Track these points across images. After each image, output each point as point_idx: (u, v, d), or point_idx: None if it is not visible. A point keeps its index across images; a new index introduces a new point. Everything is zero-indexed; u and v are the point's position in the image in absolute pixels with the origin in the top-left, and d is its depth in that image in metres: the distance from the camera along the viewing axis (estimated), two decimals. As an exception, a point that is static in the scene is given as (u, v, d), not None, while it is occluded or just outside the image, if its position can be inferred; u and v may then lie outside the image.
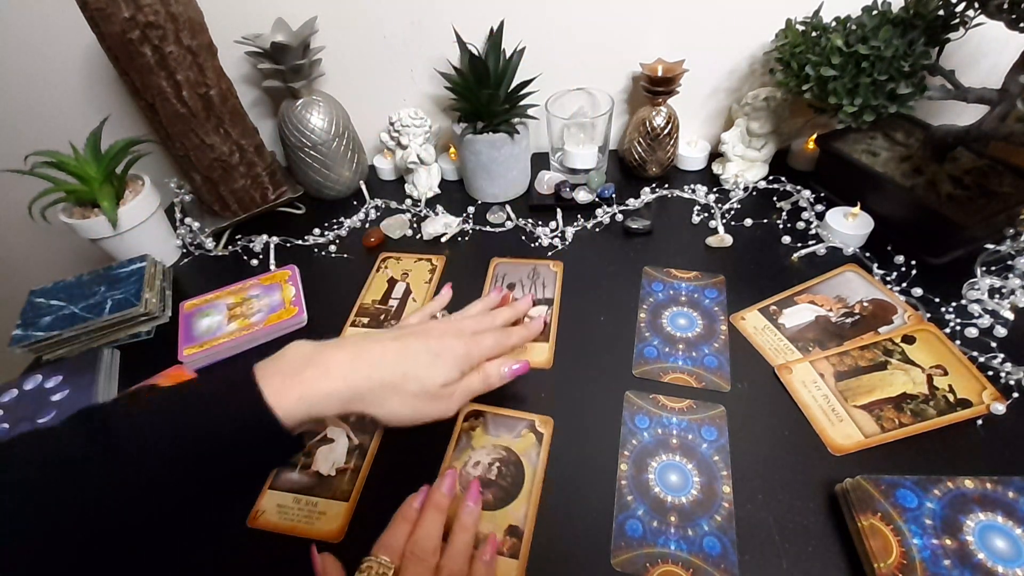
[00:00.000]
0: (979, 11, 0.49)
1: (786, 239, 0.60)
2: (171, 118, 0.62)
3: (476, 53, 0.61)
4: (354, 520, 0.42)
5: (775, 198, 0.66)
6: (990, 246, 0.54)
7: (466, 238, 0.67)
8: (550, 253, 0.63)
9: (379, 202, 0.74)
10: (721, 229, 0.62)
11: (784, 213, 0.64)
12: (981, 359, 0.46)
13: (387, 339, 0.40)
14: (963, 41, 0.52)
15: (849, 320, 0.51)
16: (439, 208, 0.70)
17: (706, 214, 0.65)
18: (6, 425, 0.50)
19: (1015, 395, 0.43)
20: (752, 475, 0.41)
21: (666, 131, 0.68)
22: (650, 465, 0.43)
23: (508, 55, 0.64)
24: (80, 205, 0.64)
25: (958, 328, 0.49)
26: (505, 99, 0.64)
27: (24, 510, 0.29)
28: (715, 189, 0.68)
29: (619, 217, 0.66)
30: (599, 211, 0.66)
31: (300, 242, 0.69)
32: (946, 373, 0.45)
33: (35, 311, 0.57)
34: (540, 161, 0.75)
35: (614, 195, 0.67)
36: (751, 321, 0.53)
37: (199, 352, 0.55)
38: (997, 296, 0.51)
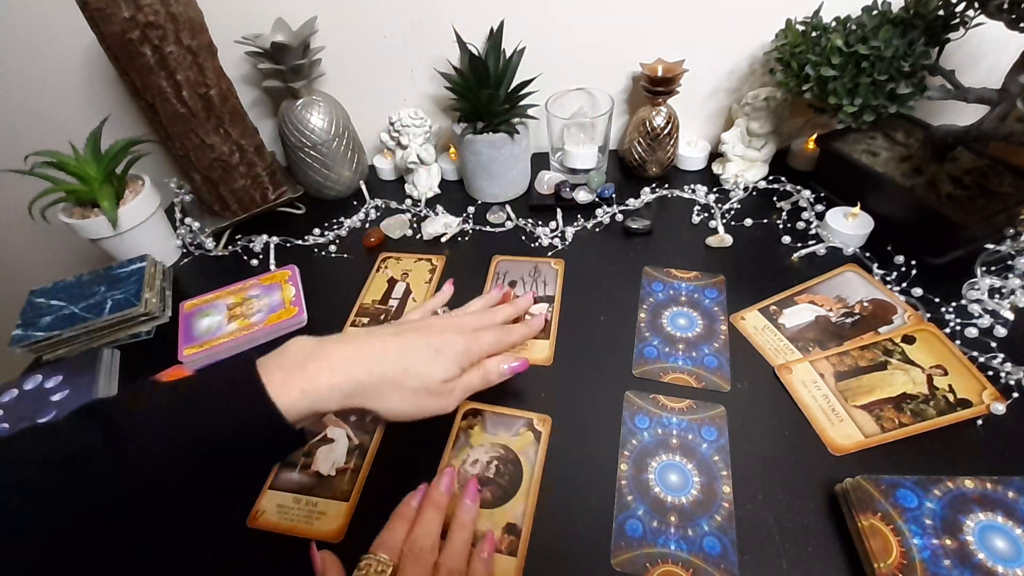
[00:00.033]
0: (979, 11, 0.49)
1: (786, 239, 0.60)
2: (171, 118, 0.62)
3: (476, 53, 0.61)
4: (354, 520, 0.42)
5: (775, 198, 0.66)
6: (990, 246, 0.54)
7: (466, 238, 0.67)
8: (550, 253, 0.63)
9: (379, 202, 0.74)
10: (721, 229, 0.62)
11: (784, 213, 0.64)
12: (981, 359, 0.46)
13: (388, 334, 0.40)
14: (963, 41, 0.52)
15: (849, 320, 0.51)
16: (439, 208, 0.70)
17: (706, 214, 0.65)
18: (6, 425, 0.50)
19: (1015, 395, 0.43)
20: (752, 475, 0.41)
21: (666, 131, 0.68)
22: (650, 465, 0.43)
23: (508, 55, 0.64)
24: (80, 205, 0.64)
25: (958, 328, 0.49)
26: (505, 99, 0.64)
27: (25, 509, 0.29)
28: (715, 189, 0.68)
29: (619, 217, 0.66)
30: (599, 211, 0.66)
31: (300, 242, 0.69)
32: (946, 373, 0.45)
33: (35, 311, 0.57)
34: (540, 161, 0.75)
35: (614, 195, 0.67)
36: (751, 321, 0.53)
37: (199, 352, 0.55)
38: (997, 296, 0.51)
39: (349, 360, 0.37)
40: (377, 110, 0.75)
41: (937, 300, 0.52)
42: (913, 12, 0.51)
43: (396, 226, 0.69)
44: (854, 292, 0.53)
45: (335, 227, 0.71)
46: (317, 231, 0.70)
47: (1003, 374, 0.45)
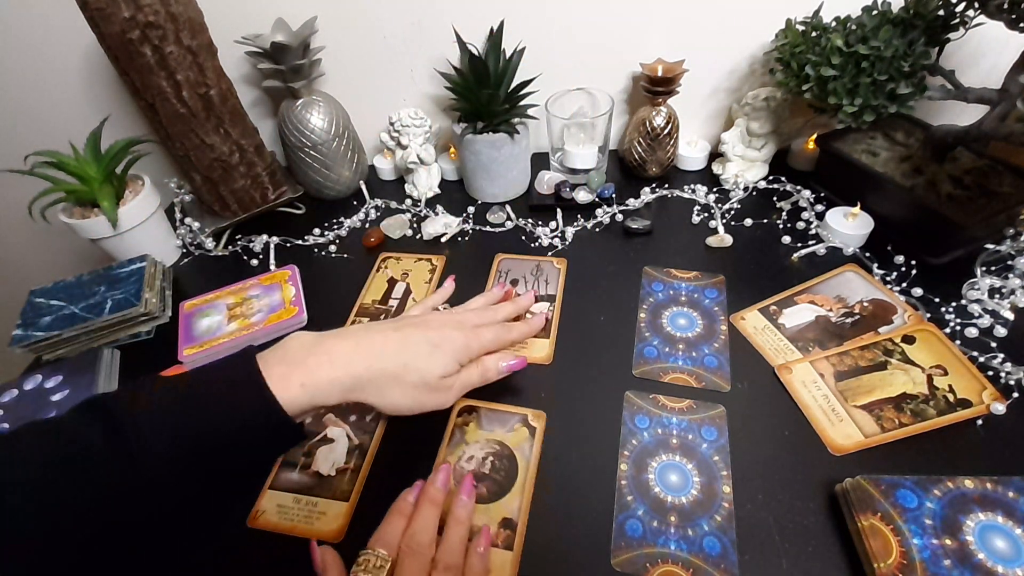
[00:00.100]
0: (979, 11, 0.49)
1: (786, 239, 0.60)
2: (171, 118, 0.62)
3: (476, 53, 0.61)
4: (354, 520, 0.42)
5: (775, 198, 0.66)
6: (990, 246, 0.54)
7: (466, 238, 0.67)
8: (550, 253, 0.63)
9: (379, 202, 0.74)
10: (721, 229, 0.62)
11: (784, 213, 0.64)
12: (981, 359, 0.46)
13: (388, 329, 0.40)
14: (963, 41, 0.52)
15: (849, 320, 0.51)
16: (439, 208, 0.70)
17: (706, 214, 0.65)
18: (6, 425, 0.51)
19: (1015, 395, 0.43)
20: (752, 475, 0.41)
21: (666, 131, 0.68)
22: (650, 465, 0.43)
23: (508, 55, 0.64)
24: (80, 205, 0.64)
25: (958, 328, 0.49)
26: (505, 99, 0.64)
27: (25, 508, 0.29)
28: (715, 189, 0.68)
29: (619, 217, 0.66)
30: (599, 211, 0.66)
31: (300, 242, 0.69)
32: (946, 373, 0.45)
33: (35, 311, 0.57)
34: (540, 161, 0.75)
35: (614, 195, 0.67)
36: (751, 321, 0.53)
37: (199, 352, 0.55)
38: (997, 296, 0.51)
39: (349, 355, 0.37)
40: (377, 110, 0.75)
41: (937, 300, 0.52)
42: (913, 12, 0.51)
43: (396, 226, 0.69)
44: (854, 292, 0.53)
45: (335, 227, 0.71)
46: (317, 231, 0.70)
47: (1003, 374, 0.45)
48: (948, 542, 0.34)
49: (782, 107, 0.65)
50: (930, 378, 0.45)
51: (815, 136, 0.66)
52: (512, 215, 0.68)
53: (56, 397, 0.52)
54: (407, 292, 0.61)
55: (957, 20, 0.51)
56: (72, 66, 0.74)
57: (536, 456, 0.44)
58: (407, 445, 0.46)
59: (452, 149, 0.75)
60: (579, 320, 0.55)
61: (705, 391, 0.47)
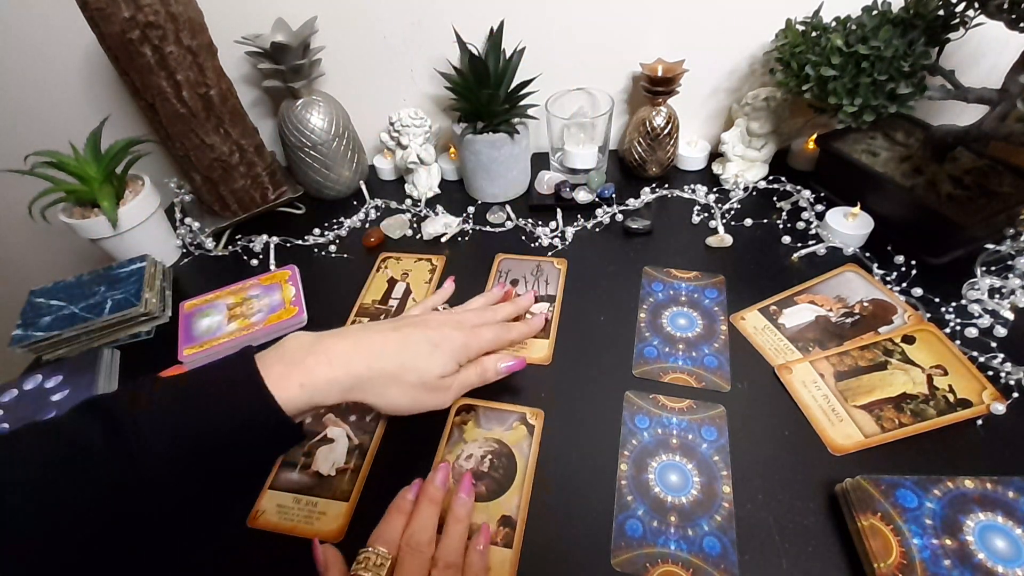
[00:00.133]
0: (979, 11, 0.49)
1: (786, 239, 0.60)
2: (171, 118, 0.62)
3: (476, 53, 0.61)
4: (354, 520, 0.42)
5: (775, 198, 0.66)
6: (990, 246, 0.54)
7: (466, 238, 0.67)
8: (550, 253, 0.63)
9: (379, 202, 0.74)
10: (721, 229, 0.62)
11: (784, 213, 0.64)
12: (981, 359, 0.46)
13: (387, 329, 0.40)
14: (963, 41, 0.52)
15: (849, 320, 0.51)
16: (439, 208, 0.70)
17: (706, 214, 0.65)
18: (6, 425, 0.51)
19: (1015, 395, 0.43)
20: (752, 475, 0.41)
21: (666, 131, 0.68)
22: (650, 465, 0.43)
23: (508, 55, 0.64)
24: (80, 205, 0.64)
25: (958, 328, 0.49)
26: (505, 99, 0.64)
27: (25, 508, 0.29)
28: (715, 189, 0.68)
29: (619, 217, 0.66)
30: (599, 211, 0.66)
31: (300, 242, 0.69)
32: (946, 373, 0.45)
33: (35, 311, 0.57)
34: (540, 161, 0.75)
35: (614, 195, 0.67)
36: (751, 321, 0.53)
37: (199, 352, 0.55)
38: (997, 296, 0.51)
39: (348, 354, 0.37)
40: (377, 110, 0.75)
41: (937, 300, 0.52)
42: (913, 12, 0.51)
43: (396, 226, 0.69)
44: (854, 292, 0.53)
45: (335, 227, 0.71)
46: (317, 231, 0.70)
47: (1003, 374, 0.45)
48: (948, 542, 0.34)
49: (782, 107, 0.65)
50: (930, 378, 0.45)
51: (815, 136, 0.66)
52: (512, 215, 0.68)
53: (56, 397, 0.52)
54: (407, 292, 0.61)
55: (957, 20, 0.51)
56: (72, 66, 0.74)
57: (535, 454, 0.44)
58: (407, 445, 0.46)
59: (452, 149, 0.75)
60: (579, 320, 0.55)
61: (705, 391, 0.47)
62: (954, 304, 0.51)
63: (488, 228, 0.68)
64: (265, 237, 0.69)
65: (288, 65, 0.65)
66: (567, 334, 0.54)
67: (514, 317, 0.50)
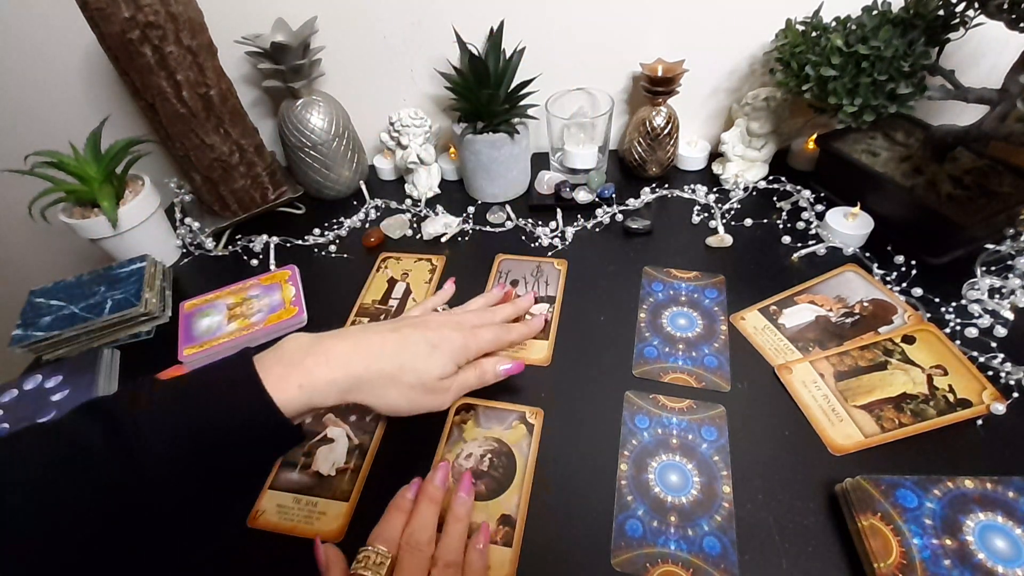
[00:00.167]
0: (979, 11, 0.49)
1: (786, 239, 0.60)
2: (171, 118, 0.62)
3: (476, 53, 0.61)
4: (354, 520, 0.42)
5: (775, 198, 0.66)
6: (990, 246, 0.54)
7: (466, 238, 0.67)
8: (550, 253, 0.63)
9: (379, 202, 0.74)
10: (721, 229, 0.62)
11: (784, 213, 0.64)
12: (981, 359, 0.46)
13: (386, 330, 0.40)
14: (963, 41, 0.52)
15: (849, 320, 0.51)
16: (439, 208, 0.70)
17: (706, 214, 0.65)
18: (6, 425, 0.51)
19: (1015, 395, 0.43)
20: (752, 475, 0.41)
21: (666, 131, 0.68)
22: (650, 465, 0.43)
23: (508, 55, 0.64)
24: (80, 205, 0.64)
25: (958, 328, 0.49)
26: (505, 99, 0.64)
27: (25, 508, 0.29)
28: (715, 189, 0.68)
29: (619, 217, 0.66)
30: (599, 211, 0.66)
31: (300, 242, 0.69)
32: (946, 373, 0.45)
33: (35, 311, 0.57)
34: (540, 161, 0.75)
35: (614, 195, 0.67)
36: (751, 321, 0.53)
37: (199, 352, 0.55)
38: (997, 296, 0.51)
39: (347, 355, 0.37)
40: (377, 110, 0.75)
41: (937, 300, 0.52)
42: (913, 12, 0.51)
43: (396, 226, 0.69)
44: (854, 292, 0.53)
45: (335, 227, 0.71)
46: (317, 231, 0.70)
47: (1003, 374, 0.45)
48: (948, 542, 0.34)
49: (782, 107, 0.65)
50: (930, 378, 0.45)
51: (815, 136, 0.66)
52: (512, 215, 0.68)
53: (56, 397, 0.52)
54: (407, 292, 0.61)
55: (957, 20, 0.51)
56: (72, 66, 0.74)
57: (534, 453, 0.44)
58: (407, 445, 0.46)
59: (452, 149, 0.75)
60: (579, 320, 0.55)
61: (705, 391, 0.47)
62: (954, 304, 0.51)
63: (488, 228, 0.68)
64: (265, 237, 0.69)
65: (288, 65, 0.65)
66: (567, 334, 0.54)
67: (514, 318, 0.50)
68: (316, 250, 0.68)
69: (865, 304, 0.52)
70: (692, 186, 0.68)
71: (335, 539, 0.41)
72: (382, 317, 0.58)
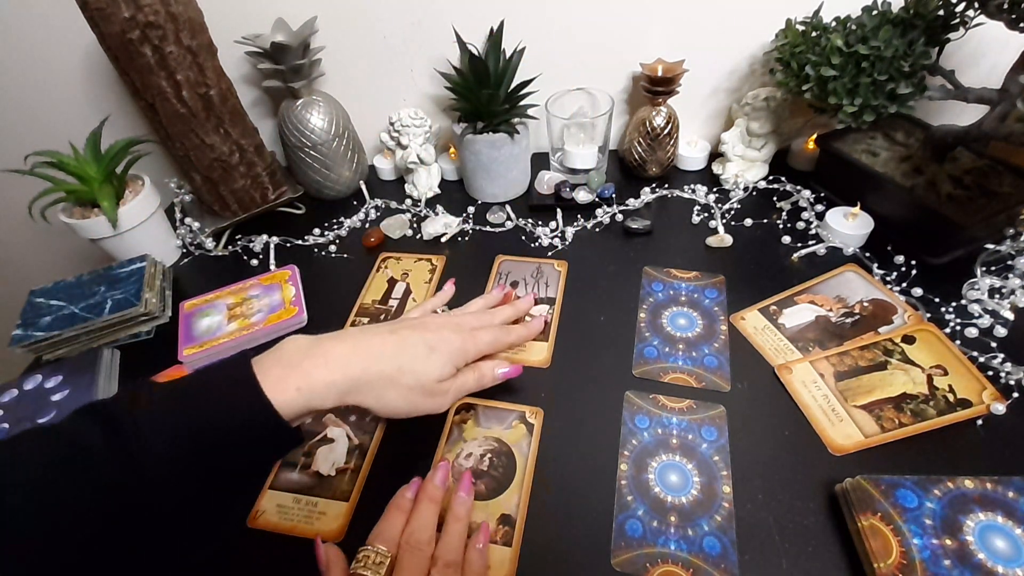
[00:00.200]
0: (979, 11, 0.49)
1: (786, 239, 0.60)
2: (171, 118, 0.62)
3: (476, 53, 0.61)
4: (354, 520, 0.42)
5: (775, 198, 0.66)
6: (990, 246, 0.54)
7: (466, 238, 0.67)
8: (550, 253, 0.63)
9: (379, 202, 0.74)
10: (721, 229, 0.62)
11: (784, 213, 0.64)
12: (981, 359, 0.46)
13: (384, 332, 0.40)
14: (963, 41, 0.52)
15: (849, 320, 0.51)
16: (439, 208, 0.70)
17: (706, 214, 0.65)
18: (6, 425, 0.50)
19: (1015, 395, 0.43)
20: (752, 475, 0.41)
21: (666, 131, 0.68)
22: (650, 465, 0.43)
23: (508, 55, 0.64)
24: (80, 205, 0.64)
25: (958, 328, 0.49)
26: (505, 99, 0.64)
27: (25, 509, 0.29)
28: (715, 189, 0.68)
29: (619, 217, 0.66)
30: (599, 211, 0.66)
31: (300, 242, 0.69)
32: (946, 373, 0.45)
33: (35, 311, 0.57)
34: (540, 161, 0.75)
35: (614, 195, 0.67)
36: (751, 321, 0.53)
37: (199, 352, 0.55)
38: (997, 296, 0.51)
39: (345, 357, 0.37)
40: (377, 110, 0.75)
41: (937, 300, 0.52)
42: (913, 12, 0.51)
43: (396, 226, 0.69)
44: (854, 292, 0.53)
45: (335, 227, 0.71)
46: (317, 231, 0.70)
47: (1003, 374, 0.45)
48: (948, 542, 0.34)
49: (782, 107, 0.65)
50: (930, 378, 0.45)
51: (815, 136, 0.66)
52: (512, 215, 0.68)
53: (56, 397, 0.52)
54: (407, 292, 0.61)
55: (957, 20, 0.51)
56: (72, 66, 0.74)
57: (534, 452, 0.44)
58: (407, 444, 0.46)
59: (452, 149, 0.75)
60: (579, 320, 0.55)
61: (705, 391, 0.47)
62: (954, 304, 0.51)
63: (488, 228, 0.68)
64: (265, 237, 0.69)
65: (288, 65, 0.65)
66: (567, 334, 0.54)
67: (513, 320, 0.50)
68: (316, 250, 0.68)
69: (865, 304, 0.52)
70: (692, 186, 0.68)
71: (335, 539, 0.41)
72: (382, 317, 0.58)
